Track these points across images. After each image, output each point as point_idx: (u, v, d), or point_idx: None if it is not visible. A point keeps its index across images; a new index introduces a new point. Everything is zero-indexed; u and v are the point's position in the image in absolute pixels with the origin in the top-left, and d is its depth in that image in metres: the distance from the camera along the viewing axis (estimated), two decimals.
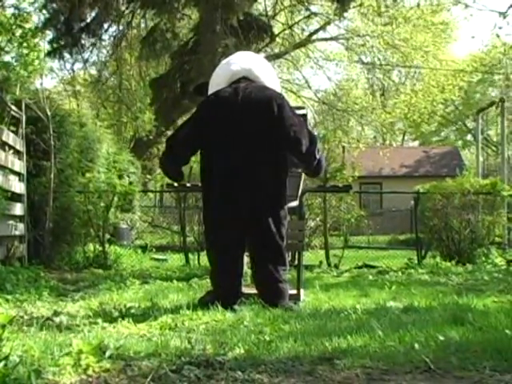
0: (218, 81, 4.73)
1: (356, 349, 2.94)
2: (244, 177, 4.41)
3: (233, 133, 4.43)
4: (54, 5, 9.73)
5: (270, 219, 4.45)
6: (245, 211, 4.44)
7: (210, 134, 4.50)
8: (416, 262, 9.54)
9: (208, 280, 6.50)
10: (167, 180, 5.81)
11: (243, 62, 4.76)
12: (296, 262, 5.52)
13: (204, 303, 4.47)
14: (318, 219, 10.87)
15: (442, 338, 3.07)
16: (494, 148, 32.16)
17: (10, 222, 7.79)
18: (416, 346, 2.93)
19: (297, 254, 5.47)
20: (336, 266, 9.52)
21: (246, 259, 7.04)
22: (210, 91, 4.75)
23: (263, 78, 4.69)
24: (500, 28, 17.33)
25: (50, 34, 9.96)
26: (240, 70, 4.66)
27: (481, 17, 54.87)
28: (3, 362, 2.21)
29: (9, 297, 5.27)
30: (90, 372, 2.49)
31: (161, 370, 2.55)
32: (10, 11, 8.68)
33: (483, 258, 9.33)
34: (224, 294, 4.48)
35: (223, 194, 4.45)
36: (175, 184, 5.62)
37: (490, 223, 9.97)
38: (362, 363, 2.70)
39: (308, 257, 9.79)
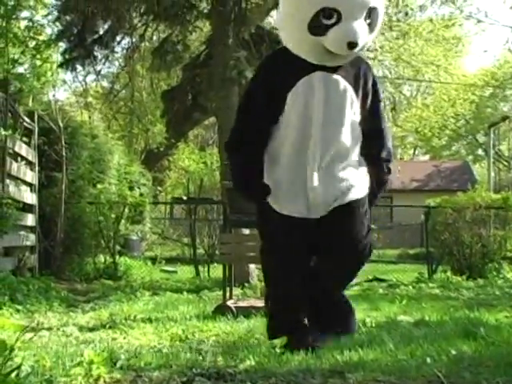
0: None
1: (367, 362, 2.93)
2: None
3: None
4: (68, 17, 9.78)
5: None
6: None
7: None
8: (426, 276, 9.50)
9: (218, 292, 6.50)
10: (176, 192, 5.86)
11: None
12: None
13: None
14: None
15: (454, 352, 3.05)
16: (505, 163, 32.05)
17: (22, 232, 7.81)
18: (428, 360, 2.91)
19: None
20: None
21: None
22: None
23: None
24: None
25: (62, 46, 9.99)
26: None
27: (493, 31, 54.97)
28: (15, 372, 2.21)
29: (20, 307, 5.29)
30: (100, 382, 2.48)
31: (172, 382, 2.55)
32: (24, 23, 8.73)
33: (494, 273, 9.27)
34: None
35: None
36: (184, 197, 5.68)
37: (502, 238, 9.92)
38: (374, 377, 2.69)
39: None
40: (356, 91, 3.31)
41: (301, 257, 3.36)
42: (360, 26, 3.13)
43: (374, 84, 3.44)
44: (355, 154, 3.39)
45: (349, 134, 3.31)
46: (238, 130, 3.39)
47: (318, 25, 3.10)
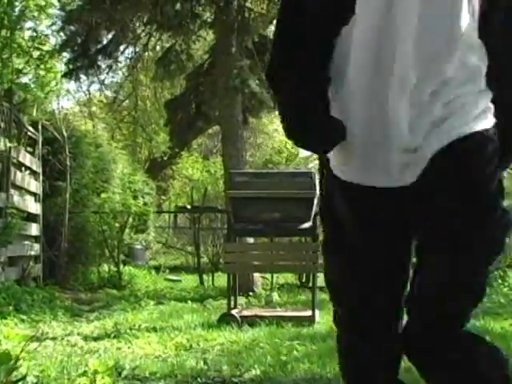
0: None
1: None
2: None
3: None
4: (72, 27, 9.82)
5: None
6: None
7: None
8: None
9: (223, 301, 6.49)
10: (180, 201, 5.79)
11: None
12: (310, 284, 5.53)
13: None
14: None
15: None
16: (509, 170, 32.06)
17: (26, 242, 7.82)
18: None
19: (311, 275, 5.47)
20: None
21: None
22: None
23: None
24: None
25: (66, 56, 10.03)
26: None
27: None
28: (21, 382, 2.22)
29: (24, 317, 5.29)
30: None
31: None
32: (28, 34, 8.77)
33: (500, 281, 9.22)
34: None
35: None
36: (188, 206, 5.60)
37: (507, 245, 9.88)
38: None
39: (322, 278, 9.74)
40: None
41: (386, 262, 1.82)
42: None
43: None
44: (474, 83, 1.75)
45: (465, 52, 1.71)
46: (281, 49, 1.92)
47: None
